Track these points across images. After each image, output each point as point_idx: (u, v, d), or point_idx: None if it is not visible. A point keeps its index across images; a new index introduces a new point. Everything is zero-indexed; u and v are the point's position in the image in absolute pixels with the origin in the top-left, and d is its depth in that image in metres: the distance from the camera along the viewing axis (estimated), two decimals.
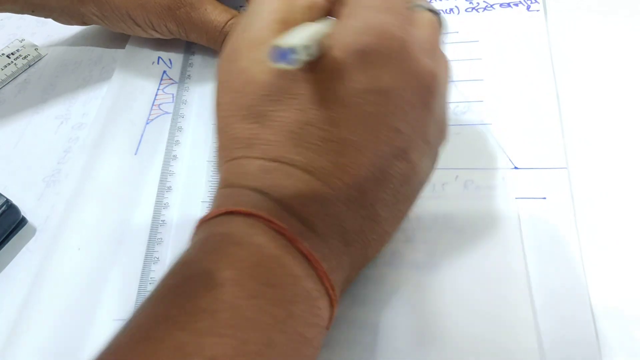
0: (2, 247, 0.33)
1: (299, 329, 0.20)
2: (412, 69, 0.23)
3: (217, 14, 0.37)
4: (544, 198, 0.30)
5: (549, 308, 0.26)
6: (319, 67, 0.23)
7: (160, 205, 0.33)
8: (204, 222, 0.23)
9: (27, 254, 0.33)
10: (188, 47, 0.42)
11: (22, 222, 0.34)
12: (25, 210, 0.34)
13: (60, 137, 0.38)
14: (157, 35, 0.39)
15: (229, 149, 0.24)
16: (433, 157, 0.27)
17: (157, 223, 0.33)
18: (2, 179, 0.36)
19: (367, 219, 0.24)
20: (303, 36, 0.20)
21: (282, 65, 0.19)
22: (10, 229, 0.33)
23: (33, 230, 0.34)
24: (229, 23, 0.37)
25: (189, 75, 0.40)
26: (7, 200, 0.33)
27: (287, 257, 0.21)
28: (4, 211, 0.33)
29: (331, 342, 0.27)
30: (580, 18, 0.38)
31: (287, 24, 0.24)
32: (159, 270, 0.31)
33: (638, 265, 0.27)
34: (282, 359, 0.19)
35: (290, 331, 0.20)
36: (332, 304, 0.23)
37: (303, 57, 0.20)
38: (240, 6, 0.43)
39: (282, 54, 0.19)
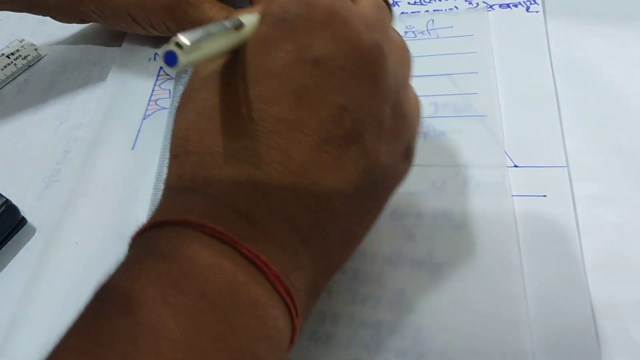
0: (2, 247, 0.33)
1: (244, 344, 0.18)
2: (349, 38, 0.21)
3: (214, 12, 0.37)
4: (544, 196, 0.30)
5: (548, 307, 0.26)
6: (249, 44, 0.21)
7: (157, 197, 0.34)
8: (134, 239, 0.21)
9: (26, 254, 0.33)
10: None
11: (21, 222, 0.34)
12: (25, 210, 0.34)
13: (60, 137, 0.38)
14: (156, 33, 0.39)
15: (171, 148, 0.23)
16: (396, 147, 0.24)
17: None
18: (1, 179, 0.36)
19: (322, 211, 0.21)
20: (190, 37, 0.18)
21: (168, 69, 0.18)
22: (10, 229, 0.33)
23: (33, 231, 0.34)
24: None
25: (185, 70, 0.40)
26: (7, 201, 0.33)
27: (225, 263, 0.19)
28: (3, 211, 0.33)
29: (331, 340, 0.27)
30: (580, 19, 0.38)
31: None
32: None
33: (638, 265, 0.27)
34: None
35: (232, 347, 0.18)
36: (291, 312, 0.20)
37: (183, 59, 0.18)
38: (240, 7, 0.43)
39: (167, 57, 0.18)
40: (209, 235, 0.19)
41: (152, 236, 0.20)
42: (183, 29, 0.40)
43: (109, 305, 0.18)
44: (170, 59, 0.18)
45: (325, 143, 0.21)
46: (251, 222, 0.20)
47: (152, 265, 0.18)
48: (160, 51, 0.18)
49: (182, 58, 0.18)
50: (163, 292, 0.17)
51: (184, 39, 0.18)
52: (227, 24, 0.20)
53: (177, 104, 0.24)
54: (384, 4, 0.25)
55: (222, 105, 0.21)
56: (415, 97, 0.26)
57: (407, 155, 0.25)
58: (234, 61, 0.21)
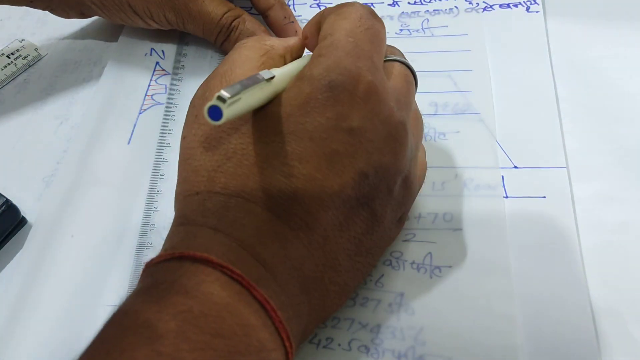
0: (2, 247, 0.33)
1: None
2: (382, 115, 0.23)
3: (214, 6, 0.37)
4: (544, 197, 0.30)
5: (549, 307, 0.26)
6: (289, 99, 0.22)
7: (153, 192, 0.34)
8: (151, 266, 0.22)
9: (27, 254, 0.33)
10: (182, 38, 0.42)
11: (21, 222, 0.34)
12: (25, 210, 0.34)
13: (60, 137, 0.38)
14: (156, 26, 0.39)
15: (190, 182, 0.24)
16: (397, 213, 0.26)
17: (150, 209, 0.33)
18: (1, 179, 0.36)
19: (327, 266, 0.23)
20: (233, 90, 0.20)
21: (211, 122, 0.19)
22: (10, 229, 0.33)
23: None
24: (225, 15, 0.37)
25: (182, 66, 0.40)
26: (7, 200, 0.33)
27: (241, 305, 0.20)
28: (3, 211, 0.32)
29: (331, 343, 0.27)
30: (580, 19, 0.38)
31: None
32: (152, 255, 0.31)
33: (638, 265, 0.27)
34: None
35: None
36: (288, 357, 0.21)
37: (227, 112, 0.19)
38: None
39: (212, 110, 0.19)
40: (227, 276, 0.20)
41: (172, 268, 0.21)
42: (182, 21, 0.40)
43: (131, 333, 0.18)
44: (214, 114, 0.19)
45: (342, 204, 0.23)
46: (265, 268, 0.21)
47: (174, 301, 0.19)
48: (205, 108, 0.19)
49: (226, 111, 0.19)
50: (183, 328, 0.18)
51: (225, 93, 0.19)
52: (260, 76, 0.21)
53: (188, 138, 0.25)
54: (412, 78, 0.27)
55: (254, 154, 0.22)
56: (423, 162, 0.29)
57: (401, 220, 0.27)
58: (269, 113, 0.23)
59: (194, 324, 0.18)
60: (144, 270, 0.22)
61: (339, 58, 0.23)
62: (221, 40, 0.39)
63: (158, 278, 0.21)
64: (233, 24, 0.38)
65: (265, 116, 0.23)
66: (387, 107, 0.23)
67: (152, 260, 0.22)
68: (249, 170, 0.22)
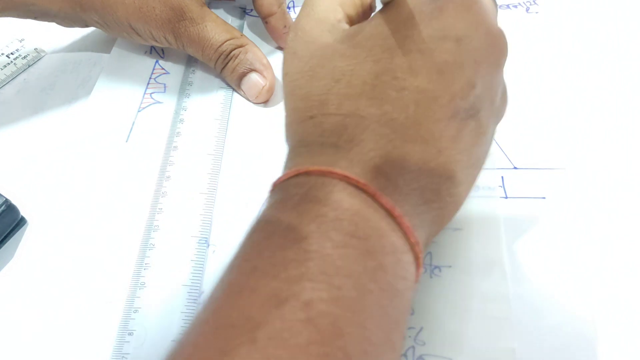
0: (1, 246, 0.33)
1: (390, 280, 0.20)
2: (486, 25, 0.23)
3: (216, 32, 0.37)
4: (543, 198, 0.30)
5: (548, 309, 0.26)
6: (392, 16, 0.23)
7: (158, 193, 0.34)
8: (279, 184, 0.23)
9: (26, 254, 0.33)
10: None
11: (21, 222, 0.34)
12: (24, 210, 0.34)
13: (60, 136, 0.38)
14: (156, 44, 0.39)
15: (300, 110, 0.24)
16: (495, 125, 0.26)
17: (154, 210, 0.33)
18: (1, 178, 0.36)
19: (443, 177, 0.23)
20: None
21: None
22: (10, 229, 0.33)
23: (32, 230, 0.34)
24: (226, 43, 0.37)
25: (193, 70, 0.40)
26: (7, 200, 0.33)
27: (369, 211, 0.21)
28: (3, 211, 0.33)
29: None
30: (579, 19, 0.38)
31: (344, 5, 0.25)
32: (155, 256, 0.31)
33: (638, 265, 0.27)
34: (378, 308, 0.19)
35: (382, 281, 0.20)
36: (417, 261, 0.22)
37: None
38: (246, 11, 0.43)
39: None
40: (353, 186, 0.21)
41: (302, 182, 0.22)
42: (182, 44, 0.40)
43: (277, 236, 0.20)
44: None
45: (453, 115, 0.23)
46: (387, 179, 0.22)
47: (309, 207, 0.20)
48: None
49: None
50: (323, 229, 0.20)
51: None
52: None
53: (291, 73, 0.25)
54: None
55: (363, 73, 0.23)
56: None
57: (495, 130, 0.27)
58: (374, 33, 0.23)
59: (331, 227, 0.20)
60: (272, 190, 0.23)
61: None
62: (220, 67, 0.38)
63: (289, 192, 0.22)
64: (233, 52, 0.37)
65: (370, 36, 0.23)
66: (489, 17, 0.24)
67: (278, 179, 0.23)
68: (361, 89, 0.23)
